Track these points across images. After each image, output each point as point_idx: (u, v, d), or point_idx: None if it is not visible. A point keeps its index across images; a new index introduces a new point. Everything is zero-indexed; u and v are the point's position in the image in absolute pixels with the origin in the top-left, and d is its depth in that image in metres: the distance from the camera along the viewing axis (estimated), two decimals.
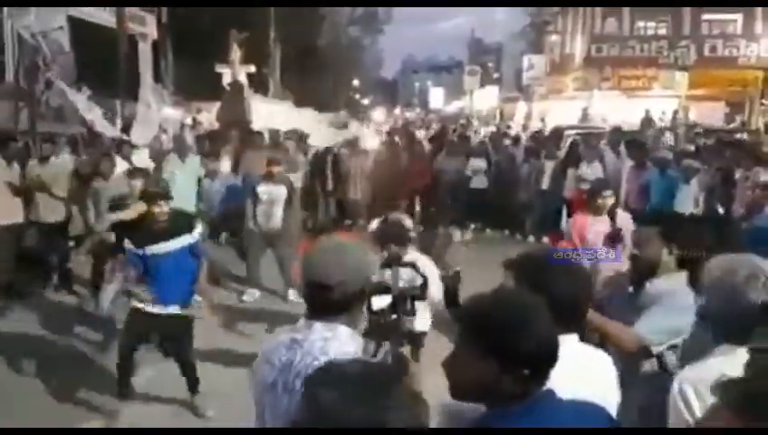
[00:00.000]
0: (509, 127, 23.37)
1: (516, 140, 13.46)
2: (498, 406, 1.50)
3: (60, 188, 7.33)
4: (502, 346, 1.45)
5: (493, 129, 20.56)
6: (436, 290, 3.43)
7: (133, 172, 6.62)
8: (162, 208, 4.53)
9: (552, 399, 1.52)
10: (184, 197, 7.42)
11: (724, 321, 1.98)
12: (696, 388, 1.83)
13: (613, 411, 1.85)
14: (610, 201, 5.28)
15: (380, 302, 2.45)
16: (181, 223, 4.70)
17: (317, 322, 1.89)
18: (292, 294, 7.25)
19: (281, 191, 7.42)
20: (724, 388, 1.33)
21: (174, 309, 4.57)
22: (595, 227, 5.05)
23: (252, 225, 7.52)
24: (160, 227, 4.56)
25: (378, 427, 1.19)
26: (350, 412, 1.19)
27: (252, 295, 7.51)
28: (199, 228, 4.84)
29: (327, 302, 1.87)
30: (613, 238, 4.69)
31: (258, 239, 7.56)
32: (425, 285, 3.54)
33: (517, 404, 1.47)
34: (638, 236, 3.19)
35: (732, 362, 1.63)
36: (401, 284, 3.72)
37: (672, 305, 2.76)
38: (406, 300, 2.79)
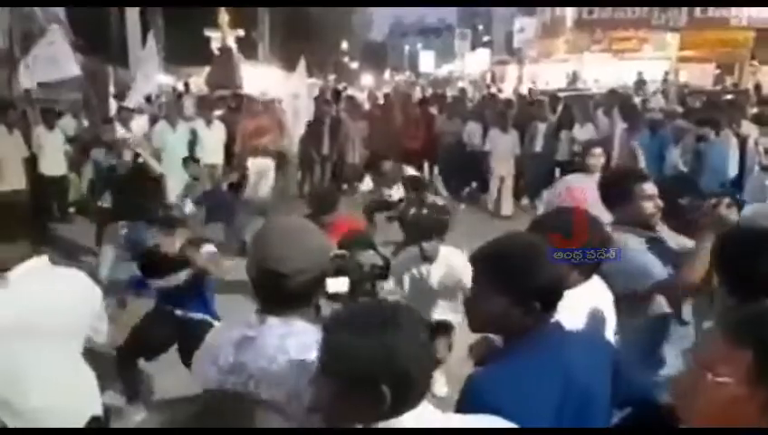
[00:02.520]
0: (500, 90, 23.38)
1: (508, 103, 13.51)
2: (512, 337, 1.68)
3: None
4: (514, 282, 1.63)
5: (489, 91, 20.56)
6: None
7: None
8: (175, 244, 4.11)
9: (559, 330, 1.70)
10: (175, 162, 7.53)
11: None
12: None
13: (610, 333, 2.17)
14: (601, 160, 5.23)
15: (337, 285, 2.25)
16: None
17: (270, 316, 1.67)
18: None
19: (267, 164, 7.45)
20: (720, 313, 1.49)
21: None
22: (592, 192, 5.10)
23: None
24: (172, 259, 4.11)
25: (389, 361, 1.26)
26: (367, 349, 1.27)
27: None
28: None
29: (282, 293, 1.65)
30: None
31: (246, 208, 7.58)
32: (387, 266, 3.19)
33: (529, 335, 1.65)
34: None
35: None
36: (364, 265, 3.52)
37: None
38: (366, 282, 2.55)
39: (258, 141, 7.45)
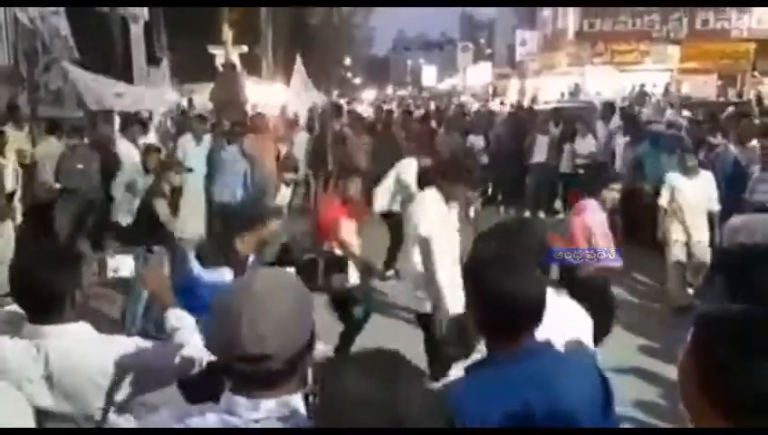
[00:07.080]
0: (502, 103, 23.46)
1: (511, 115, 13.55)
2: (496, 348, 1.69)
3: None
4: (497, 295, 1.63)
5: (492, 105, 20.65)
6: None
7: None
8: None
9: (545, 348, 1.69)
10: (197, 175, 7.48)
11: None
12: None
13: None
14: (616, 195, 5.20)
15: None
16: None
17: (262, 399, 1.33)
18: None
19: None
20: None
21: None
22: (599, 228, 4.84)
23: None
24: None
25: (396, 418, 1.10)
26: (370, 402, 1.12)
27: None
28: None
29: (268, 375, 1.33)
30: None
31: None
32: None
33: (511, 349, 1.65)
34: None
35: None
36: None
37: None
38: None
39: (283, 175, 7.00)
